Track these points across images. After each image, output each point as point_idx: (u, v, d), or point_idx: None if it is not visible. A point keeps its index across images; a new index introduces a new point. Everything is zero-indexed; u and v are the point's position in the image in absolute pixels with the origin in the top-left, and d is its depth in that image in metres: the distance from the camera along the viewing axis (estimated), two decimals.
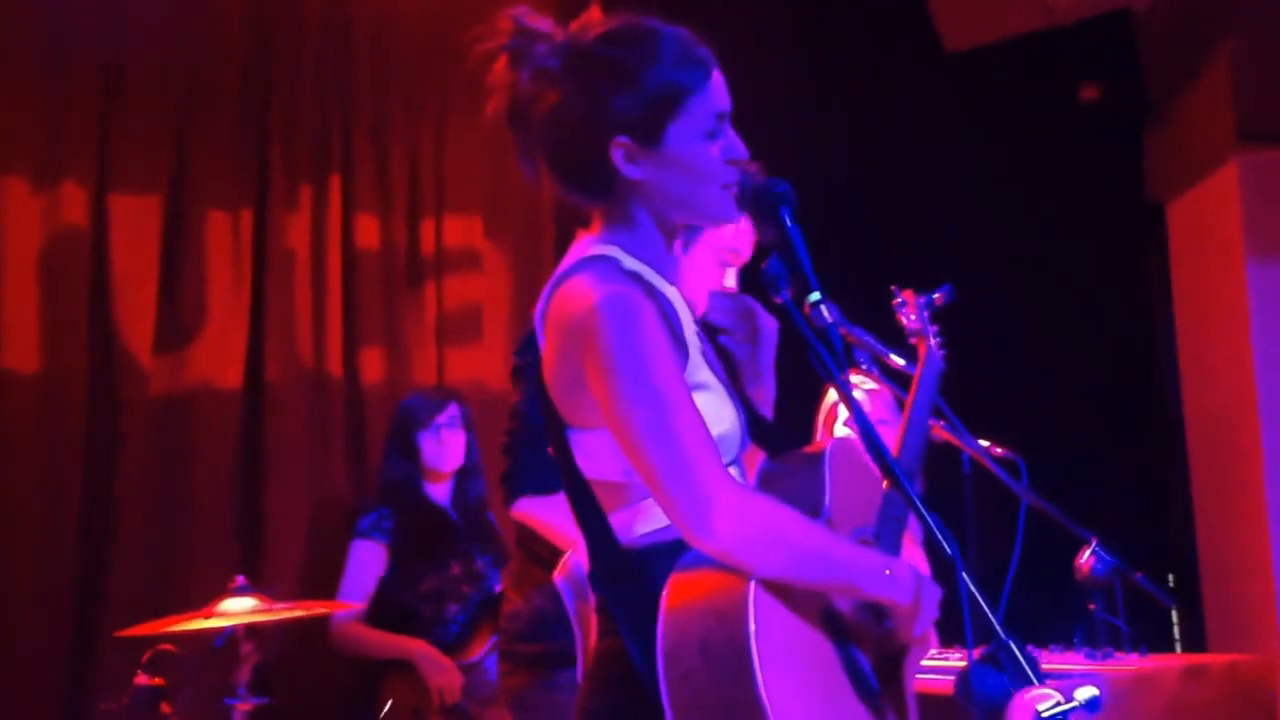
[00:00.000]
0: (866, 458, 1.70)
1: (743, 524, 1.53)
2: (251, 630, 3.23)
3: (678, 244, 1.78)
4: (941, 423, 2.80)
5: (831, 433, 3.29)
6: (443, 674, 3.71)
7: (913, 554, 2.33)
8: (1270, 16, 4.46)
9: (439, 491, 4.04)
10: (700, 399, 1.62)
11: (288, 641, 3.98)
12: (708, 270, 2.54)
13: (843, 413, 3.22)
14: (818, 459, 1.77)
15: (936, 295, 2.53)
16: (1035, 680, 1.50)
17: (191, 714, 3.40)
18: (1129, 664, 2.80)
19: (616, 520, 1.67)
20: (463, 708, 3.69)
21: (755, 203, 1.72)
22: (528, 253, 4.65)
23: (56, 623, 3.86)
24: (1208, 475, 4.81)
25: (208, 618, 3.11)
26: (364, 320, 4.45)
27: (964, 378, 2.70)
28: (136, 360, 4.10)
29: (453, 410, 4.02)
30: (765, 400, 2.60)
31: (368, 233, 4.49)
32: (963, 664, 1.53)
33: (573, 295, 1.65)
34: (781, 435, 1.87)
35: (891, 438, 2.29)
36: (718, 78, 1.72)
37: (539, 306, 1.72)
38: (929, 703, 1.84)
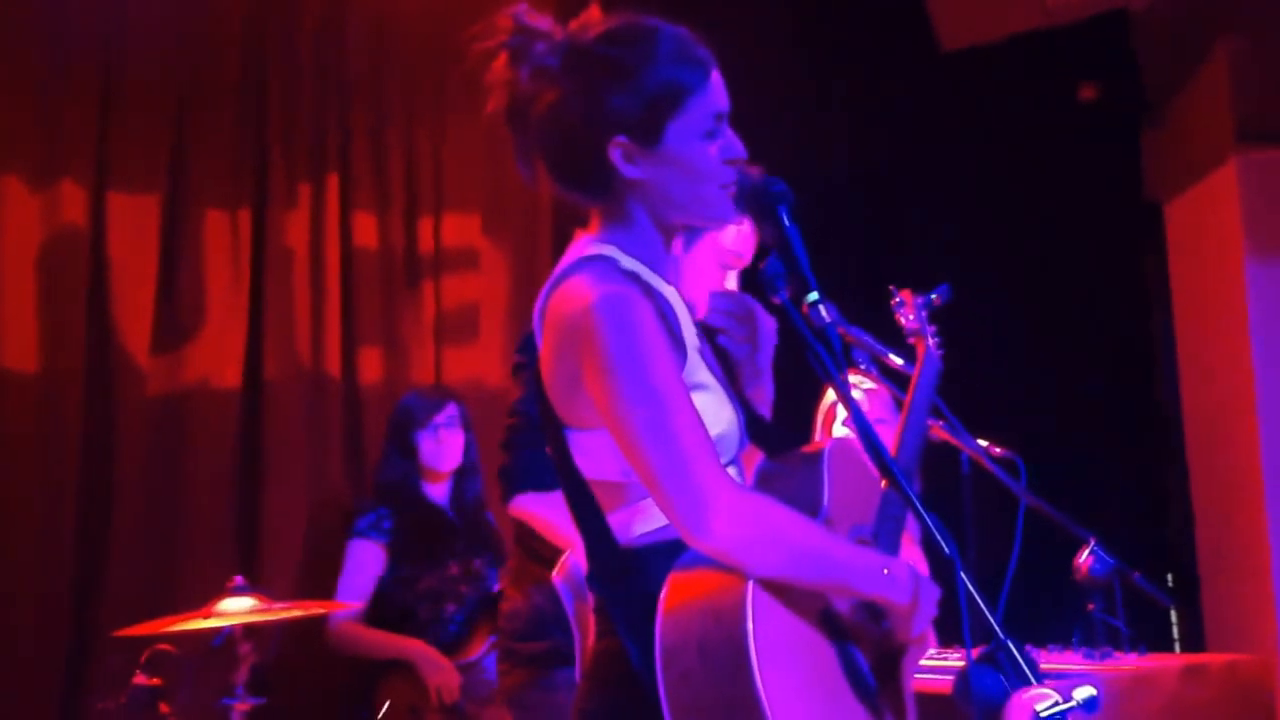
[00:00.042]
0: (865, 457, 1.69)
1: (741, 524, 1.53)
2: (249, 630, 3.23)
3: (679, 245, 1.78)
4: (940, 422, 2.80)
5: (830, 432, 3.29)
6: (441, 674, 3.71)
7: (911, 554, 2.33)
8: (1269, 16, 4.46)
9: (437, 491, 4.04)
10: (698, 399, 1.62)
11: (286, 641, 3.98)
12: (709, 272, 2.54)
13: (841, 412, 3.22)
14: (816, 459, 1.77)
15: (934, 296, 2.53)
16: (1033, 680, 1.49)
17: (189, 714, 3.40)
18: (1127, 664, 2.80)
19: (615, 520, 1.67)
20: (461, 707, 3.69)
21: (753, 202, 1.72)
22: (526, 252, 4.65)
23: (55, 622, 3.86)
24: (1206, 475, 4.81)
25: (206, 617, 3.11)
26: (362, 319, 4.45)
27: (963, 377, 2.70)
28: (135, 360, 4.10)
29: (451, 410, 4.02)
30: (764, 400, 2.61)
31: (366, 232, 4.49)
32: (961, 664, 1.53)
33: (570, 295, 1.65)
34: (780, 435, 1.87)
35: (890, 437, 2.29)
36: (717, 78, 1.72)
37: (537, 306, 1.72)
38: (927, 702, 1.83)
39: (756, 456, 1.84)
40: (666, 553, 1.60)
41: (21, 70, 4.09)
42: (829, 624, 1.63)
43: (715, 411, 1.67)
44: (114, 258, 4.12)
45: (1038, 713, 1.46)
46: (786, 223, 1.70)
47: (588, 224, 1.78)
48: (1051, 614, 3.14)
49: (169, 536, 4.05)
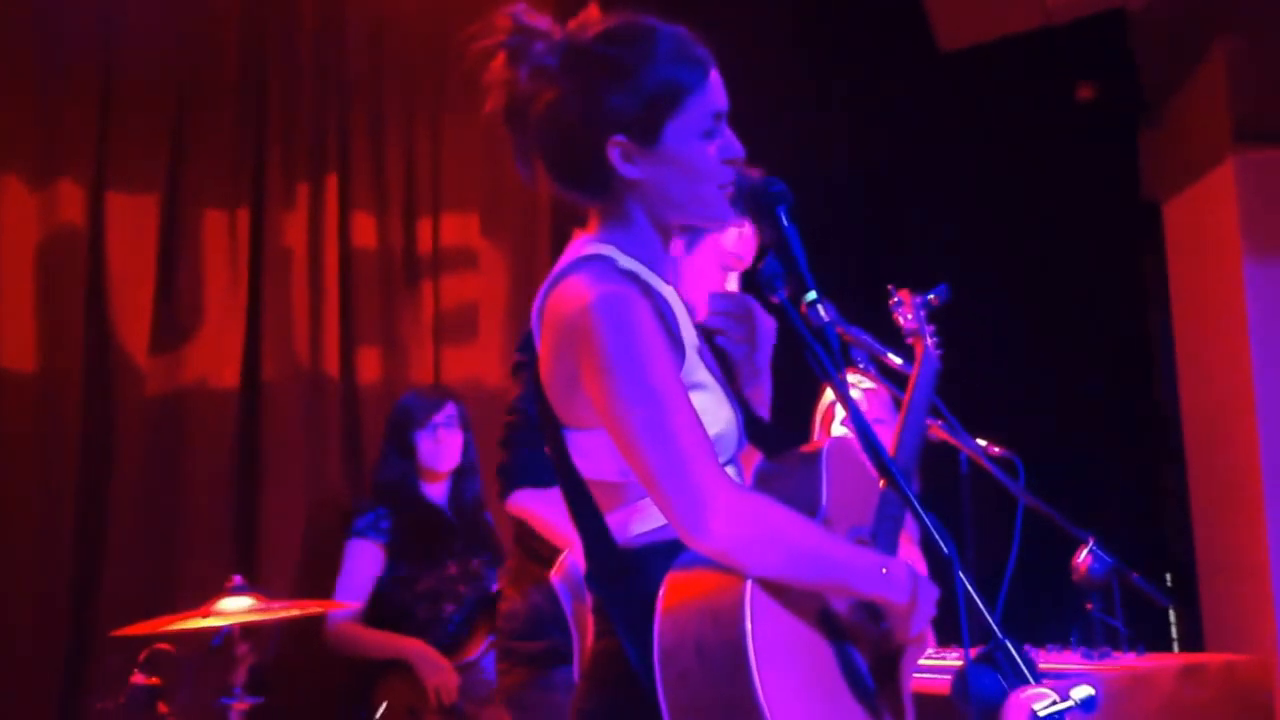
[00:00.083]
0: (863, 457, 1.69)
1: (739, 524, 1.53)
2: (248, 630, 3.23)
3: (679, 246, 1.78)
4: (939, 422, 2.80)
5: (829, 432, 3.29)
6: (439, 674, 3.70)
7: (909, 553, 2.33)
8: (1266, 16, 4.46)
9: (436, 491, 4.04)
10: (697, 398, 1.62)
11: (284, 641, 3.98)
12: (710, 274, 2.54)
13: (840, 412, 3.22)
14: (814, 459, 1.76)
15: (932, 296, 2.53)
16: (1031, 680, 1.50)
17: (188, 713, 3.40)
18: (1125, 664, 2.80)
19: (613, 520, 1.67)
20: (459, 707, 3.69)
21: (752, 202, 1.72)
22: (524, 252, 4.65)
23: (53, 622, 3.86)
24: (1205, 474, 4.82)
25: (204, 617, 3.11)
26: (361, 319, 4.45)
27: (962, 377, 2.70)
28: (133, 360, 4.09)
29: (450, 410, 4.02)
30: (762, 400, 2.61)
31: (365, 232, 4.49)
32: (959, 663, 1.53)
33: (568, 294, 1.64)
34: (778, 435, 1.87)
35: (888, 437, 2.29)
36: (715, 77, 1.72)
37: (535, 305, 1.71)
38: (926, 702, 1.83)
39: (755, 456, 1.84)
40: (665, 553, 1.60)
41: (20, 70, 4.08)
42: (827, 624, 1.63)
43: (714, 411, 1.67)
44: (112, 257, 4.12)
45: (1035, 712, 1.46)
46: (785, 222, 1.70)
47: (586, 224, 1.78)
48: (1050, 614, 3.15)
49: (167, 536, 4.05)
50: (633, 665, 1.58)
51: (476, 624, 3.85)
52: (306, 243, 4.37)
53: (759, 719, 1.45)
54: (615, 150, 1.68)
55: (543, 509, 2.71)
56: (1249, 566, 4.46)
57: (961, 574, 1.54)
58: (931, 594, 1.68)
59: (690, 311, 1.80)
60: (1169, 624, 4.69)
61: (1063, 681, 1.56)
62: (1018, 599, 2.64)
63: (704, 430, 1.58)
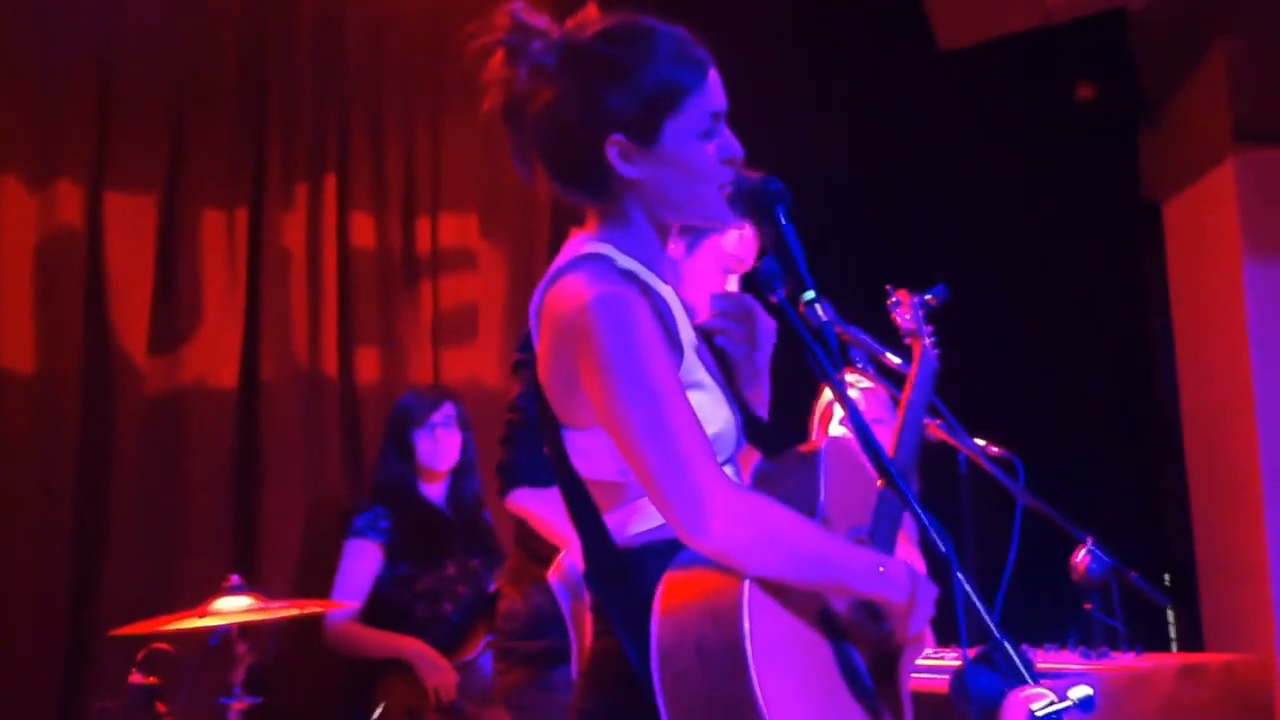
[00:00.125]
0: (862, 457, 1.69)
1: (738, 523, 1.52)
2: (246, 629, 3.22)
3: (680, 248, 1.78)
4: (938, 422, 2.80)
5: (827, 432, 3.29)
6: (439, 673, 3.70)
7: (908, 553, 2.33)
8: (1266, 16, 4.46)
9: (434, 491, 4.03)
10: (695, 398, 1.62)
11: (283, 640, 3.98)
12: (711, 277, 2.54)
13: (838, 412, 3.22)
14: (813, 458, 1.76)
15: (929, 296, 2.53)
16: (1030, 680, 1.49)
17: (187, 713, 3.40)
18: (1124, 664, 2.80)
19: (611, 520, 1.67)
20: (459, 707, 3.69)
21: (750, 201, 1.72)
22: (523, 251, 4.65)
23: (52, 622, 3.86)
24: (1204, 474, 4.81)
25: (203, 617, 3.10)
26: (359, 319, 4.44)
27: (962, 377, 2.70)
28: (132, 360, 4.09)
29: (448, 409, 4.02)
30: (761, 401, 2.61)
31: (363, 232, 4.49)
32: (958, 663, 1.53)
33: (566, 294, 1.64)
34: (777, 435, 1.86)
35: (887, 437, 2.29)
36: (714, 77, 1.72)
37: (533, 304, 1.71)
38: (924, 702, 1.83)
39: (753, 457, 1.84)
40: (663, 552, 1.59)
41: (19, 70, 4.08)
42: (826, 623, 1.63)
43: (712, 411, 1.67)
44: (111, 258, 4.11)
45: (1033, 712, 1.46)
46: (783, 222, 1.70)
47: (584, 223, 1.77)
48: (1048, 613, 3.15)
49: (166, 536, 4.05)
50: (631, 665, 1.58)
51: (475, 623, 3.85)
52: (305, 243, 4.37)
53: (757, 718, 1.45)
54: (613, 149, 1.68)
55: (542, 508, 2.71)
56: (1248, 566, 4.46)
57: (960, 574, 1.54)
58: (930, 593, 1.68)
59: (690, 313, 1.80)
60: (1168, 624, 4.69)
61: (1061, 681, 1.56)
62: (1016, 599, 2.63)
63: (702, 430, 1.57)
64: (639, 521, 1.65)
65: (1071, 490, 3.51)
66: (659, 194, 1.71)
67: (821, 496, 1.72)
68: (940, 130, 4.88)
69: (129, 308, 4.11)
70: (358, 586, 3.87)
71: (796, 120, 4.54)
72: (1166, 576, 4.83)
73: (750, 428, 1.82)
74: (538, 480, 2.68)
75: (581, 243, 1.73)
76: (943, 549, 1.56)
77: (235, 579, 3.21)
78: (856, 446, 1.69)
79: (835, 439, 1.83)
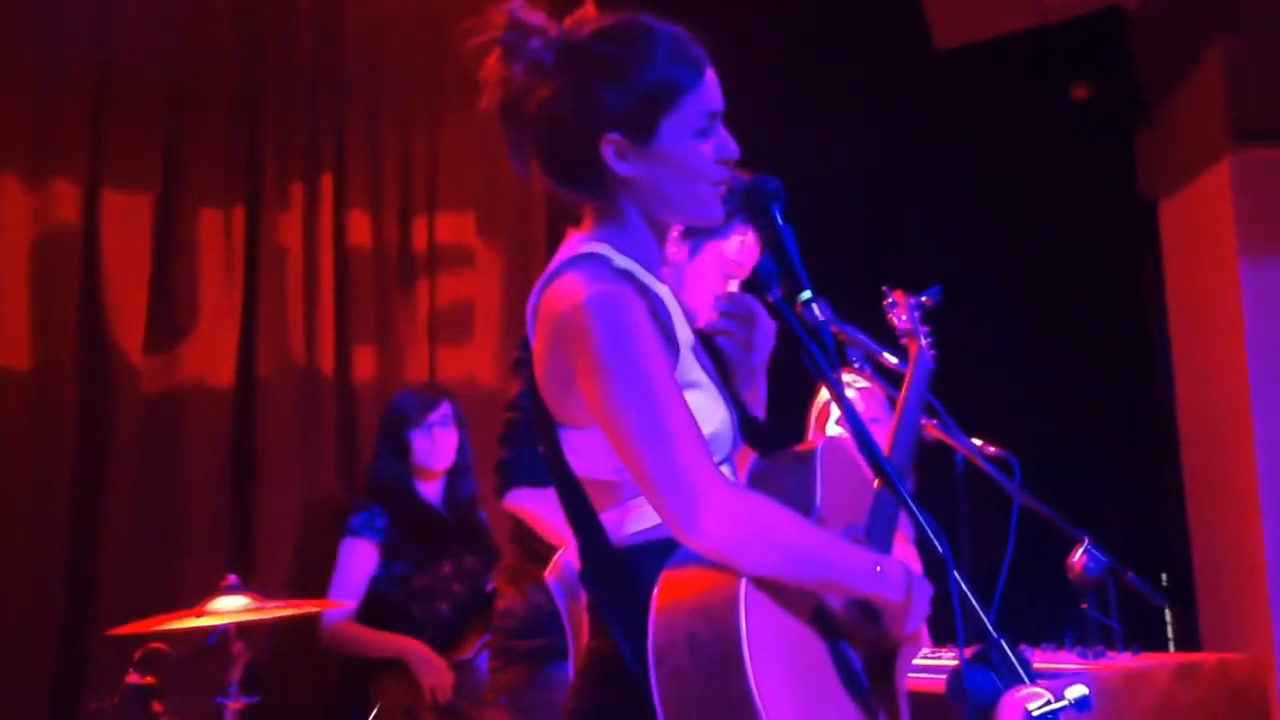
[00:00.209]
0: (858, 456, 1.69)
1: (734, 522, 1.52)
2: (243, 629, 3.22)
3: (684, 252, 1.77)
4: (934, 421, 2.80)
5: (824, 431, 3.29)
6: (435, 672, 3.70)
7: (904, 552, 2.33)
8: (1263, 16, 4.47)
9: (430, 490, 4.03)
10: (692, 397, 1.62)
11: (279, 640, 3.98)
12: (712, 281, 2.54)
13: (835, 411, 3.22)
14: (809, 458, 1.76)
15: (925, 297, 2.54)
16: (1026, 679, 1.49)
17: (183, 713, 3.39)
18: (1120, 663, 2.80)
19: (608, 519, 1.67)
20: (455, 706, 3.68)
21: (746, 200, 1.72)
22: (520, 251, 4.65)
23: (47, 621, 3.85)
24: (1201, 473, 4.82)
25: (199, 616, 3.10)
26: (356, 318, 4.44)
27: (961, 377, 2.70)
28: (128, 358, 4.08)
29: (445, 408, 4.01)
30: (757, 401, 2.61)
31: (360, 230, 4.48)
32: (954, 662, 1.53)
33: (562, 293, 1.64)
34: (773, 435, 1.86)
35: (884, 436, 2.30)
36: (711, 76, 1.72)
37: (530, 303, 1.71)
38: (921, 701, 1.83)
39: (750, 456, 1.84)
40: (659, 551, 1.60)
41: (17, 68, 4.07)
42: (822, 622, 1.63)
43: (708, 410, 1.67)
44: (108, 256, 4.10)
45: (1030, 711, 1.46)
46: (779, 221, 1.70)
47: (581, 222, 1.77)
48: (1045, 613, 3.14)
49: (162, 535, 4.04)
50: (627, 664, 1.58)
51: (471, 623, 3.85)
52: (302, 241, 4.37)
53: (753, 717, 1.45)
54: (609, 148, 1.68)
55: (539, 507, 2.71)
56: (1245, 566, 4.46)
57: (956, 573, 1.54)
58: (926, 592, 1.68)
59: (689, 315, 1.80)
60: (1165, 624, 4.69)
61: (1057, 681, 1.55)
62: (1013, 598, 2.63)
63: (699, 429, 1.57)
64: (635, 521, 1.65)
65: (1072, 490, 3.51)
66: (655, 193, 1.71)
67: (818, 496, 1.72)
68: (939, 130, 4.89)
69: (126, 306, 4.10)
70: (354, 586, 3.86)
71: (796, 120, 4.54)
72: (1163, 576, 4.83)
73: (747, 427, 1.83)
74: (536, 480, 2.68)
75: (578, 242, 1.73)
76: (939, 548, 1.56)
77: (232, 578, 3.20)
78: (853, 446, 1.69)
79: (832, 438, 1.83)
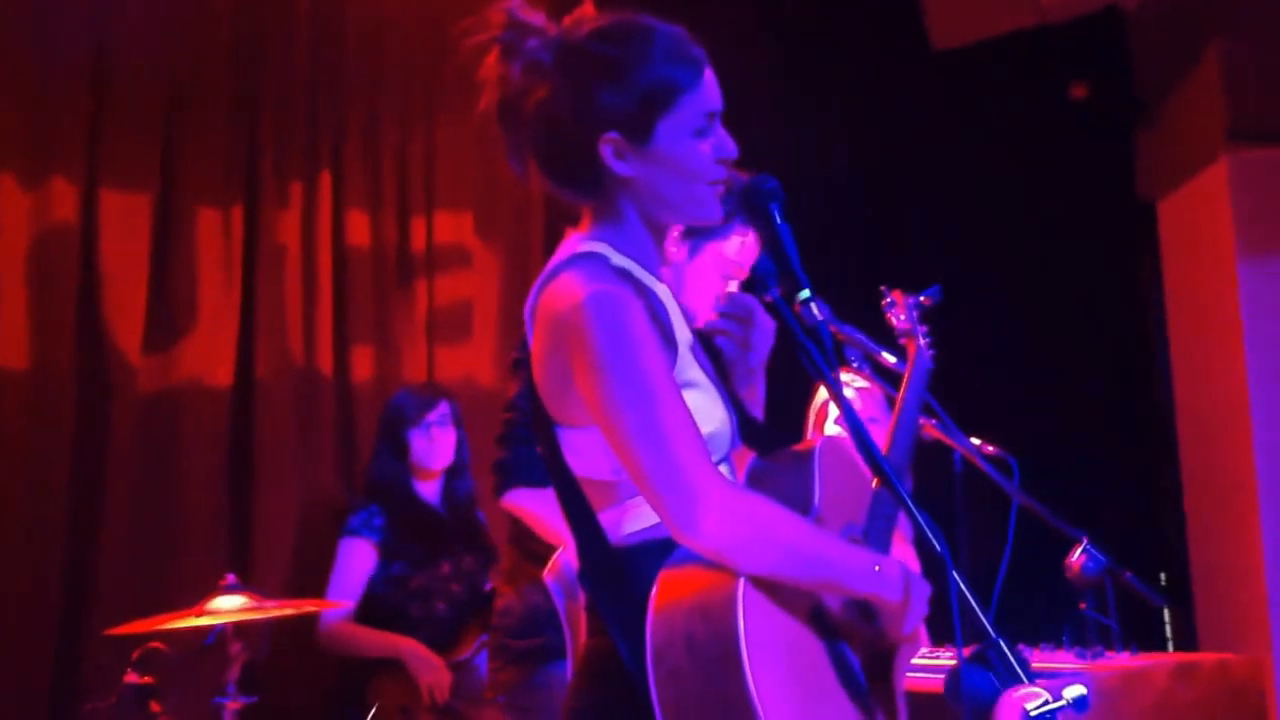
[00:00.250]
0: (856, 456, 1.69)
1: (732, 522, 1.52)
2: (241, 628, 3.22)
3: (683, 253, 1.77)
4: (933, 421, 2.80)
5: (822, 431, 3.29)
6: (433, 672, 3.70)
7: (903, 552, 2.33)
8: (1261, 16, 4.47)
9: (429, 489, 4.03)
10: (690, 397, 1.62)
11: (277, 640, 3.97)
12: (711, 282, 2.54)
13: (833, 411, 3.22)
14: (807, 457, 1.76)
15: (923, 297, 2.54)
16: (1024, 679, 1.49)
17: (181, 712, 3.39)
18: (1118, 663, 2.80)
19: (606, 519, 1.67)
20: (452, 706, 3.68)
21: (744, 200, 1.72)
22: (518, 250, 4.65)
23: (45, 621, 3.84)
24: (1200, 474, 4.82)
25: (197, 616, 3.09)
26: (354, 318, 4.44)
27: (960, 376, 2.70)
28: (126, 358, 4.08)
29: (443, 408, 4.01)
30: (756, 400, 2.61)
31: (358, 230, 4.48)
32: (952, 662, 1.53)
33: (561, 292, 1.64)
34: (772, 435, 1.86)
35: (882, 436, 2.30)
36: (710, 76, 1.72)
37: (528, 303, 1.71)
38: (919, 701, 1.83)
39: (748, 456, 1.84)
40: (657, 551, 1.59)
41: (15, 68, 4.06)
42: (820, 622, 1.63)
43: (707, 410, 1.67)
44: (106, 256, 4.10)
45: (1028, 711, 1.46)
46: (778, 220, 1.70)
47: (579, 222, 1.77)
48: (1043, 613, 3.14)
49: (160, 535, 4.04)
50: (625, 663, 1.58)
51: (469, 622, 3.85)
52: (300, 241, 4.36)
53: (751, 717, 1.45)
54: (607, 148, 1.68)
55: (537, 507, 2.71)
56: (1244, 566, 4.46)
57: (955, 573, 1.54)
58: (924, 592, 1.68)
59: (688, 315, 1.80)
60: (1164, 624, 4.69)
61: (1056, 681, 1.55)
62: (1011, 598, 2.64)
63: (697, 428, 1.57)
64: (633, 520, 1.65)
65: (1071, 490, 3.52)
66: (653, 192, 1.70)
67: (816, 495, 1.72)
68: (939, 130, 4.89)
69: (124, 306, 4.10)
70: (352, 585, 3.86)
71: (796, 120, 4.55)
72: (1162, 576, 4.84)
73: (745, 427, 1.83)
74: (534, 480, 2.68)
75: (576, 242, 1.73)
76: (938, 548, 1.56)
77: (230, 578, 3.20)
78: (851, 445, 1.69)
79: (830, 438, 1.83)
